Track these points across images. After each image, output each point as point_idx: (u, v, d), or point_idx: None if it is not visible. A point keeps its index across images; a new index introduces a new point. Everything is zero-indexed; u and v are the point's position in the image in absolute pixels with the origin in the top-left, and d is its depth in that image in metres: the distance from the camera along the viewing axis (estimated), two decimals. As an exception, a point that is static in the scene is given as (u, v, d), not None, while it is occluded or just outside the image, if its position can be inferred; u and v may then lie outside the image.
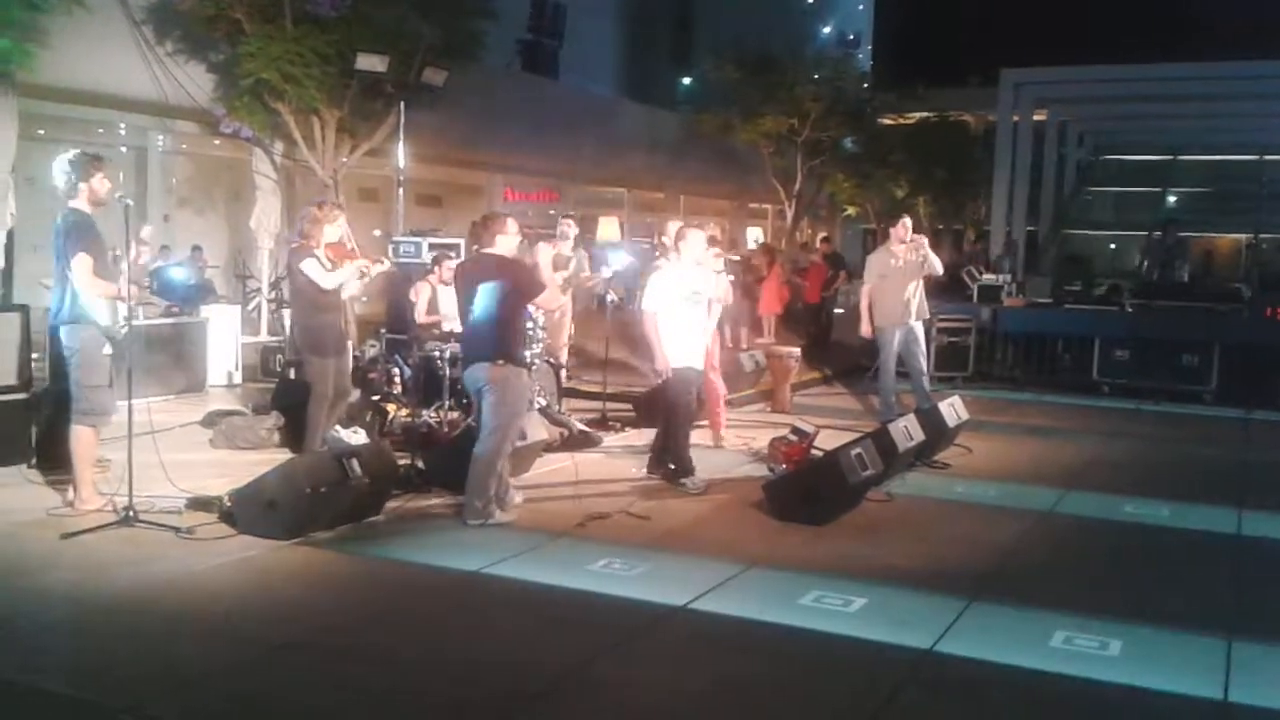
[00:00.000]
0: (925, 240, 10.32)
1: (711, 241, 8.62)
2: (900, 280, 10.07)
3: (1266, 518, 7.19)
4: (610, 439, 9.15)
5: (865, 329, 10.39)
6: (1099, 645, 4.77)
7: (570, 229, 10.73)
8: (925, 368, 10.46)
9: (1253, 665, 4.64)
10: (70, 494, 6.33)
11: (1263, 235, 25.21)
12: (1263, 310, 13.19)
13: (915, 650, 4.68)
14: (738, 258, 16.17)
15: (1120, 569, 6.15)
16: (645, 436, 9.19)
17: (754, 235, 30.68)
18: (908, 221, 10.43)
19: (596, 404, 9.96)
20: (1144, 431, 10.70)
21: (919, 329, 10.26)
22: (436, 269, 9.35)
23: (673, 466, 7.65)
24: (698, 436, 8.40)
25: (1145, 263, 16.03)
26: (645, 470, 7.80)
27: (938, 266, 10.28)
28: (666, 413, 7.80)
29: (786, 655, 4.68)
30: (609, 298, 10.40)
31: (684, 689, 4.30)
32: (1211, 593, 5.73)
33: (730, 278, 9.23)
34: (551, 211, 24.22)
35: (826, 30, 38.78)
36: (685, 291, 7.64)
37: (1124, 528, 7.00)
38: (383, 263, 8.25)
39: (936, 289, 12.25)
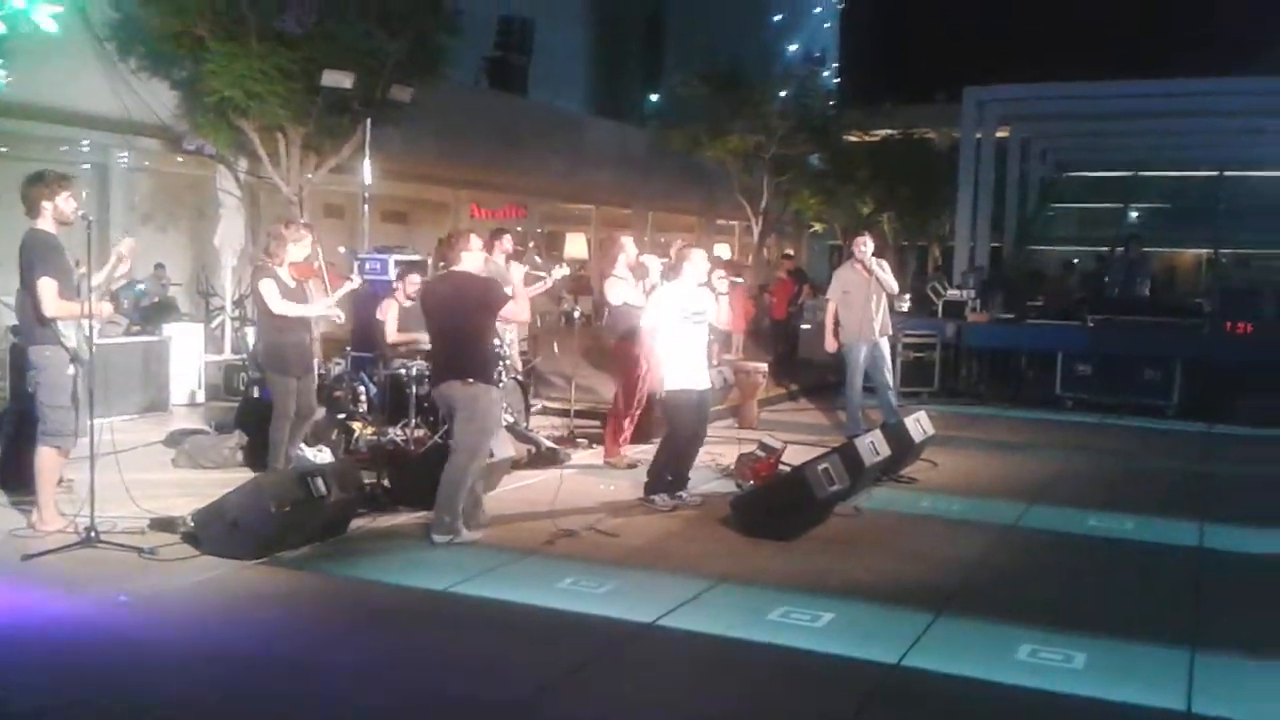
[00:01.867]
0: (881, 262, 10.40)
1: (729, 267, 8.55)
2: (863, 296, 10.16)
3: (1228, 530, 7.29)
4: (578, 456, 9.13)
5: (830, 344, 10.48)
6: (1064, 658, 4.81)
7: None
8: (891, 382, 10.53)
9: (1215, 676, 4.70)
10: (33, 515, 6.24)
11: (1222, 250, 25.59)
12: (1223, 325, 13.37)
13: (882, 665, 4.70)
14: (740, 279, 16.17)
15: (1084, 582, 6.20)
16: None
17: (720, 251, 30.79)
18: (867, 240, 10.55)
19: (561, 420, 9.96)
20: (1107, 446, 10.81)
21: (884, 345, 10.36)
22: (400, 285, 9.30)
23: (646, 481, 7.63)
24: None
25: (1106, 278, 16.19)
26: (643, 494, 7.62)
27: (892, 285, 10.40)
28: (665, 434, 7.77)
29: (754, 671, 4.69)
30: (575, 313, 10.40)
31: (651, 706, 4.30)
32: (1175, 605, 5.79)
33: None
34: (519, 229, 24.23)
35: (793, 48, 39.05)
36: (687, 312, 7.58)
37: (1088, 541, 7.06)
38: (352, 280, 8.23)
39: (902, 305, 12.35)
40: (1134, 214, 26.97)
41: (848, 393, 10.50)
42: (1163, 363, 12.72)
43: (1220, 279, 17.46)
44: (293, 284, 7.43)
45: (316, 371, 8.16)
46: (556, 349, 11.74)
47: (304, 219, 12.16)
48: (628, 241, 9.25)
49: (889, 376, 10.47)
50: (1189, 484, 9.02)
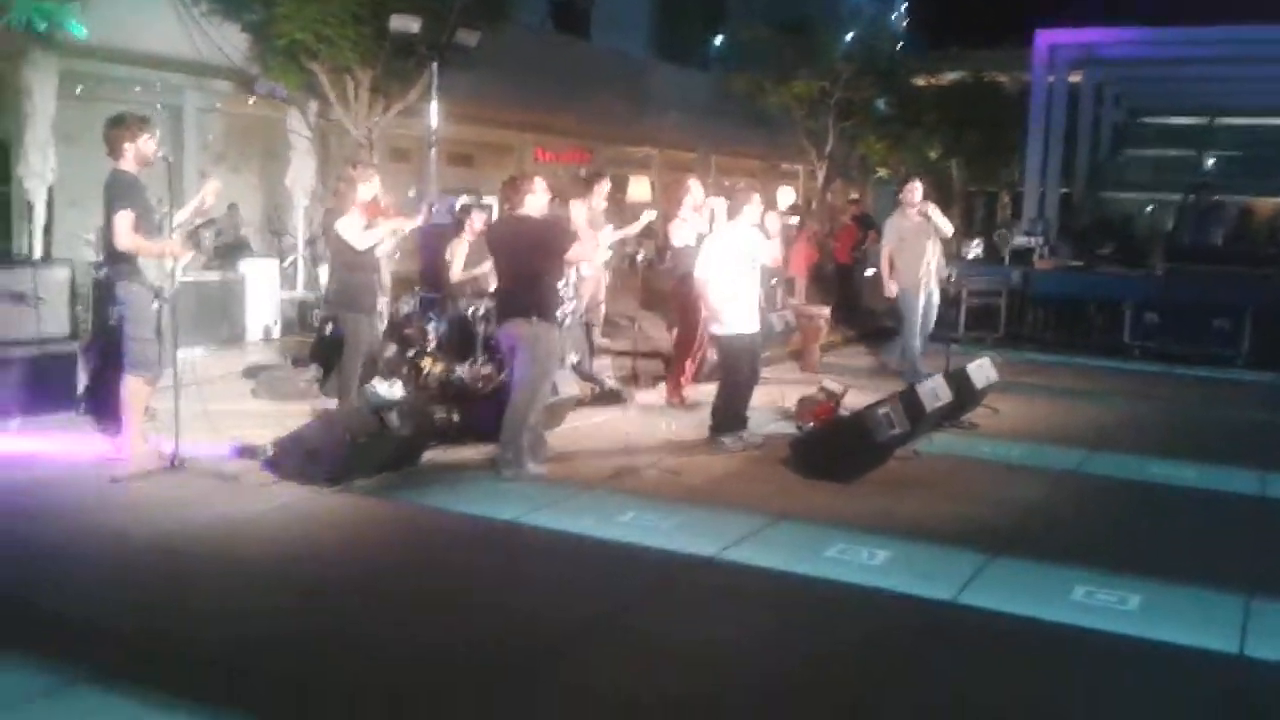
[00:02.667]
0: (931, 205, 10.43)
1: (792, 211, 8.62)
2: (918, 242, 10.22)
3: (1291, 480, 7.26)
4: (641, 396, 9.28)
5: (890, 289, 10.51)
6: (1118, 600, 4.88)
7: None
8: (929, 331, 10.60)
9: (1270, 621, 4.73)
10: (119, 441, 6.54)
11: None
12: (1297, 275, 13.12)
13: (937, 601, 4.82)
14: (795, 220, 16.12)
15: (1142, 528, 6.24)
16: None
17: (786, 197, 30.59)
18: (917, 184, 10.60)
19: (625, 360, 10.11)
20: (1172, 394, 10.73)
21: (936, 293, 10.43)
22: (467, 223, 9.46)
23: (710, 424, 7.74)
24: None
25: (1177, 226, 15.91)
26: (710, 435, 7.72)
27: (946, 228, 10.39)
28: (721, 377, 7.89)
29: (812, 604, 4.83)
30: (639, 256, 10.50)
31: (713, 635, 4.45)
32: (1232, 552, 5.81)
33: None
34: (581, 172, 24.26)
35: (860, -10, 38.33)
36: (739, 256, 7.66)
37: (1148, 488, 7.07)
38: (416, 220, 8.43)
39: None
40: (1209, 161, 26.31)
41: (906, 339, 10.52)
42: (1232, 311, 12.54)
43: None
44: (364, 225, 7.65)
45: (385, 311, 8.41)
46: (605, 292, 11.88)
47: (373, 161, 12.36)
48: (694, 184, 9.32)
49: (930, 325, 10.56)
50: (1254, 433, 8.96)
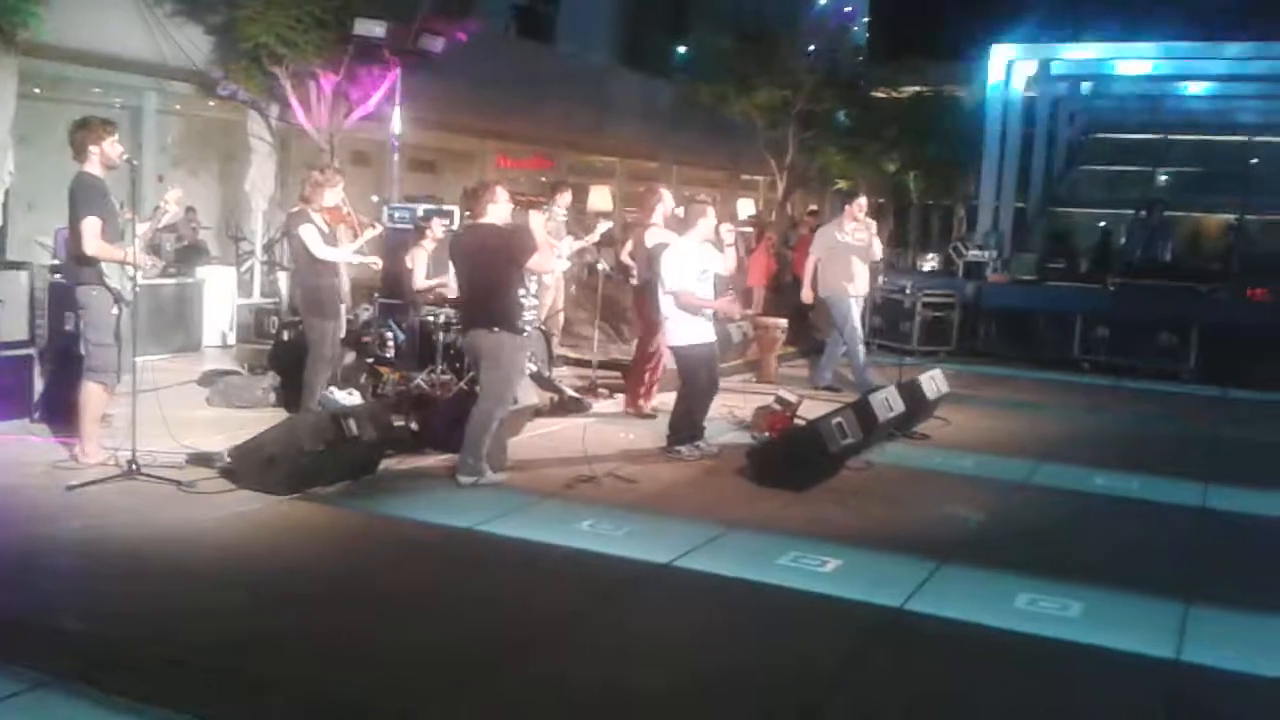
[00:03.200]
0: (874, 224, 10.83)
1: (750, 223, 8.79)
2: (847, 255, 10.51)
3: (1231, 492, 7.44)
4: (599, 405, 9.35)
5: (807, 294, 10.86)
6: (1060, 607, 5.02)
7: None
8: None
9: (1206, 628, 4.88)
10: (76, 448, 6.52)
11: (1248, 216, 25.42)
12: (1243, 290, 13.44)
13: (886, 608, 4.93)
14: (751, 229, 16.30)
15: (1086, 538, 6.40)
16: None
17: (745, 207, 30.80)
18: (863, 201, 10.97)
19: (584, 370, 10.19)
20: (1121, 407, 10.96)
21: (861, 303, 10.85)
22: (429, 230, 9.50)
23: (668, 434, 7.82)
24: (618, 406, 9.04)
25: (1128, 242, 16.23)
26: (667, 446, 7.81)
27: (878, 252, 10.85)
28: (680, 387, 7.98)
29: (764, 610, 4.93)
30: (599, 266, 10.58)
31: (666, 640, 4.54)
32: (1173, 561, 5.98)
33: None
34: (543, 179, 24.28)
35: (822, 2, 38.69)
36: (697, 269, 7.77)
37: (1093, 499, 7.25)
38: (375, 227, 8.47)
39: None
40: (1162, 177, 26.78)
41: (850, 347, 10.70)
42: (1180, 326, 12.82)
43: (1241, 245, 17.42)
44: (326, 229, 7.69)
45: (345, 317, 8.44)
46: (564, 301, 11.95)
47: (319, 164, 12.37)
48: (666, 193, 9.45)
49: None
50: (1198, 446, 9.18)
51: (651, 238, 9.13)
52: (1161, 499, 7.26)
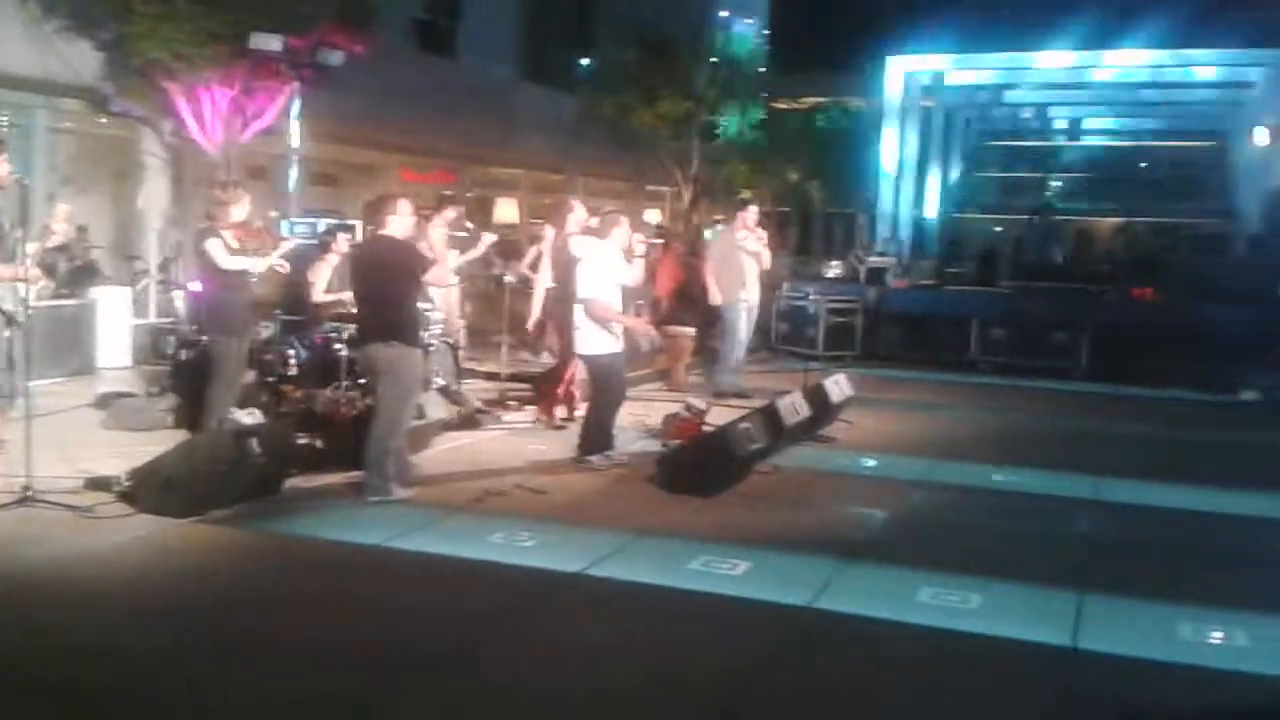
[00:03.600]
0: (764, 233, 11.21)
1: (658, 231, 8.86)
2: (741, 263, 10.86)
3: (1122, 484, 7.73)
4: (508, 417, 9.33)
5: (715, 297, 11.09)
6: (961, 600, 5.16)
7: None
8: (745, 342, 11.34)
9: (1101, 616, 5.06)
10: (-35, 475, 6.30)
11: (1135, 219, 26.39)
12: (1130, 291, 13.96)
13: (795, 607, 5.02)
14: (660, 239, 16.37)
15: (985, 532, 6.57)
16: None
17: (651, 218, 30.97)
18: (754, 210, 11.42)
19: (494, 384, 10.16)
20: (1016, 406, 11.29)
21: (755, 310, 11.23)
22: (334, 244, 9.39)
23: (579, 443, 7.83)
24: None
25: (1020, 245, 16.74)
26: (578, 456, 7.81)
27: (767, 260, 11.21)
28: (594, 396, 7.99)
29: (676, 614, 4.97)
30: (506, 279, 10.56)
31: (579, 647, 4.56)
32: (1067, 552, 6.18)
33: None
34: (447, 192, 24.11)
35: (724, 14, 39.13)
36: (611, 280, 7.82)
37: (991, 494, 7.47)
38: (288, 240, 8.35)
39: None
40: (1055, 183, 27.66)
41: (725, 351, 11.09)
42: (1072, 326, 13.26)
43: (1128, 247, 18.10)
44: (236, 245, 7.57)
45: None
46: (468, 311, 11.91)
47: (222, 181, 12.14)
48: (577, 204, 9.54)
49: (747, 337, 11.31)
50: (1090, 441, 9.50)
51: (576, 247, 9.14)
52: (1056, 493, 7.50)
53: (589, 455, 7.74)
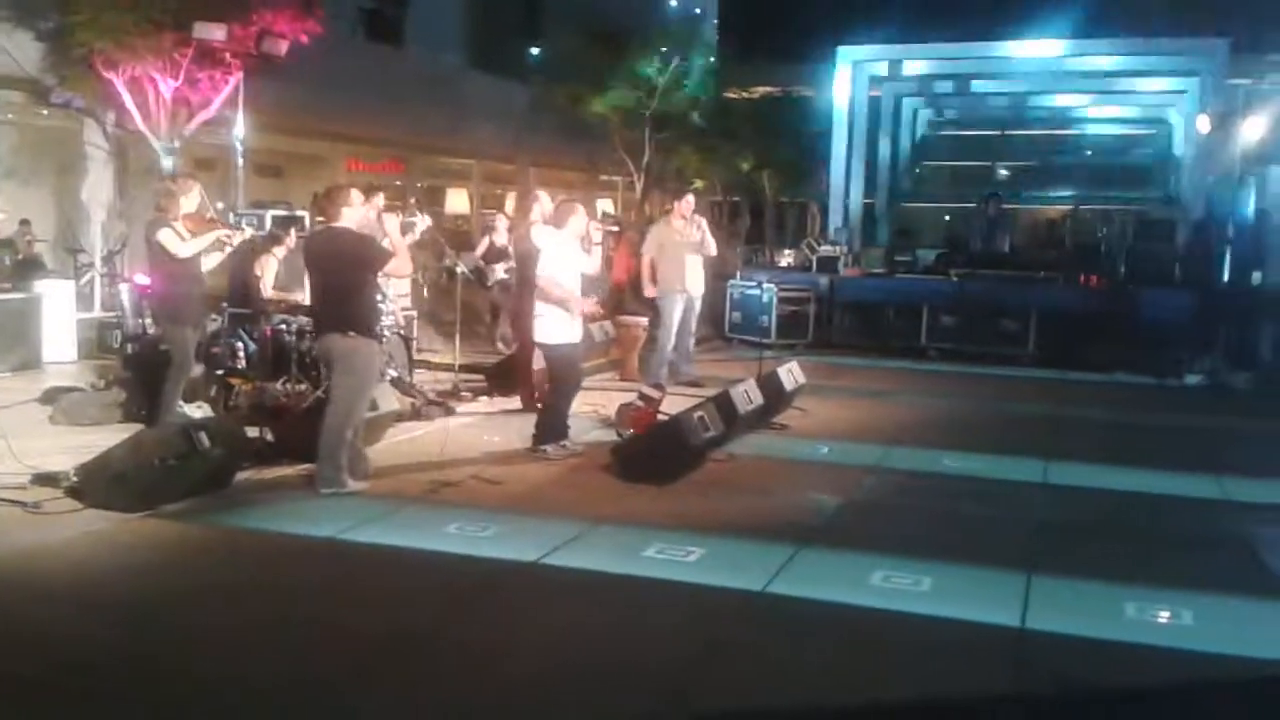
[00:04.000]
0: (704, 220, 10.99)
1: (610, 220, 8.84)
2: (680, 252, 10.72)
3: (1070, 467, 7.86)
4: (462, 409, 9.30)
5: (649, 290, 11.01)
6: (912, 582, 5.23)
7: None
8: (694, 332, 11.20)
9: (1048, 597, 5.15)
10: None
11: (1082, 206, 26.76)
12: (1077, 278, 14.16)
13: (748, 592, 5.06)
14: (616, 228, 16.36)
15: (935, 516, 6.65)
16: (497, 406, 9.43)
17: (604, 208, 30.95)
18: (690, 199, 11.15)
19: (447, 375, 10.12)
20: (966, 392, 11.42)
21: (698, 300, 10.99)
22: (284, 239, 9.33)
23: (534, 433, 7.81)
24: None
25: (969, 233, 16.91)
26: (533, 446, 7.78)
27: (712, 248, 10.93)
28: (552, 385, 7.99)
29: (630, 601, 5.00)
30: (458, 268, 10.52)
31: (536, 636, 4.57)
32: (1016, 534, 6.26)
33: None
34: (398, 183, 23.94)
35: (674, 3, 39.17)
36: (569, 268, 7.81)
37: (942, 479, 7.56)
38: (243, 231, 8.26)
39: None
40: (1002, 171, 27.95)
41: (661, 341, 10.96)
42: (1020, 313, 13.44)
43: (1074, 234, 18.34)
44: (188, 236, 7.50)
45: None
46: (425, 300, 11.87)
47: (172, 172, 11.99)
48: (544, 195, 9.57)
49: (693, 327, 11.13)
50: (1038, 426, 9.64)
51: (537, 237, 9.10)
52: (1005, 476, 7.62)
53: (543, 445, 7.74)
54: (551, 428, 7.81)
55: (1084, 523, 6.65)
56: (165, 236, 7.38)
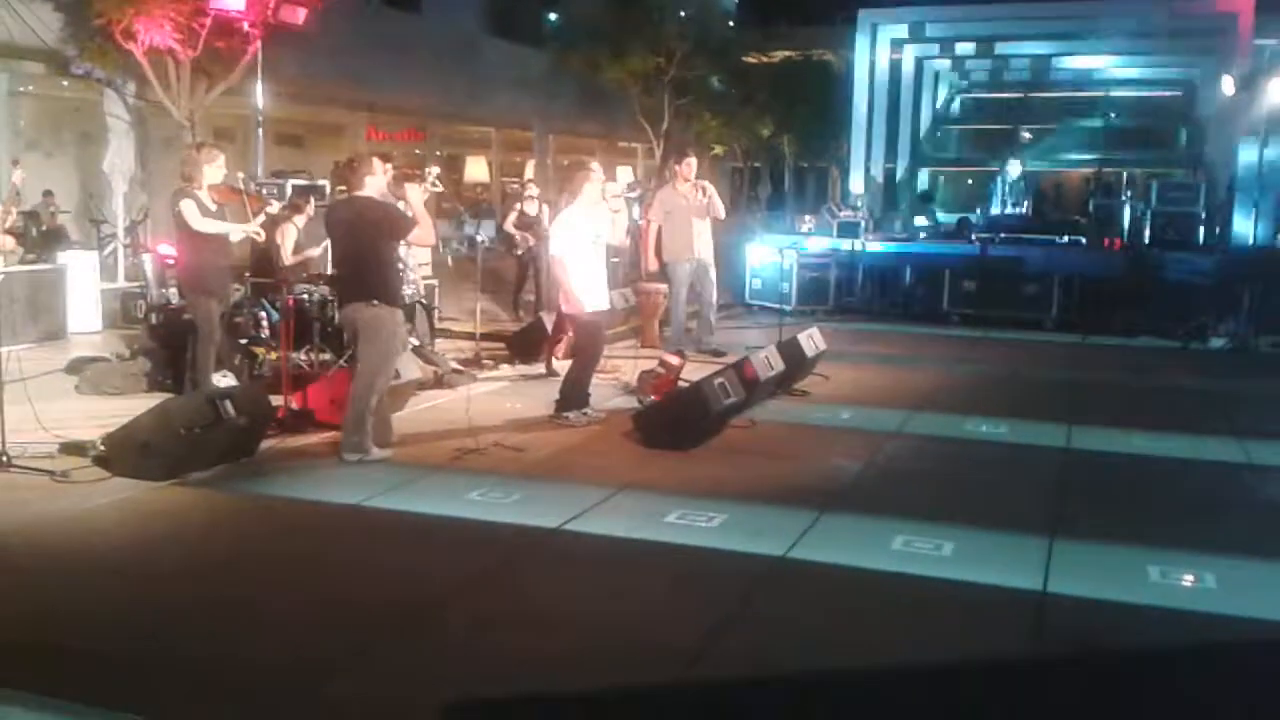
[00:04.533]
0: (709, 184, 10.67)
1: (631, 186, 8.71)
2: (686, 217, 10.40)
3: (1092, 432, 7.83)
4: (484, 376, 9.34)
5: (652, 263, 10.68)
6: (934, 547, 5.25)
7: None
8: (714, 301, 10.85)
9: (1070, 561, 5.15)
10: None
11: (1105, 170, 26.50)
12: (1099, 241, 14.05)
13: (769, 557, 5.09)
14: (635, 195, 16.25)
15: (957, 481, 6.66)
16: (518, 373, 9.47)
17: (624, 175, 30.86)
18: (692, 161, 10.80)
19: (469, 343, 10.16)
20: (988, 357, 11.38)
21: (710, 266, 10.63)
22: (304, 207, 9.36)
23: (556, 400, 7.83)
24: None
25: (991, 197, 16.79)
26: (555, 413, 7.80)
27: (720, 210, 10.62)
28: (577, 353, 8.01)
29: (653, 566, 5.03)
30: (479, 238, 10.53)
31: (559, 602, 4.61)
32: (1038, 499, 6.26)
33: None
34: (417, 151, 23.93)
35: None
36: (589, 235, 7.72)
37: (964, 444, 7.55)
38: (272, 205, 8.27)
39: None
40: (1025, 134, 27.69)
41: (672, 309, 10.79)
42: (1042, 278, 13.34)
43: (1098, 198, 18.17)
44: (213, 206, 7.57)
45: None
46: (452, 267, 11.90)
47: (197, 141, 12.01)
48: (595, 165, 9.44)
49: (713, 295, 10.75)
50: (1062, 391, 9.60)
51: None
52: (1028, 441, 7.60)
53: (565, 413, 7.77)
54: (573, 396, 7.83)
55: (1106, 487, 6.64)
56: (186, 208, 7.41)
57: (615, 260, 12.59)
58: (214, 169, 7.63)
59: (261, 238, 8.18)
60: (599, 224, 7.83)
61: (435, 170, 8.98)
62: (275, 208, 8.31)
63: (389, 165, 9.14)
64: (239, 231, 7.76)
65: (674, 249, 10.52)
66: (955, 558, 5.13)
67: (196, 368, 7.54)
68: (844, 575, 4.92)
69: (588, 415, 7.81)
